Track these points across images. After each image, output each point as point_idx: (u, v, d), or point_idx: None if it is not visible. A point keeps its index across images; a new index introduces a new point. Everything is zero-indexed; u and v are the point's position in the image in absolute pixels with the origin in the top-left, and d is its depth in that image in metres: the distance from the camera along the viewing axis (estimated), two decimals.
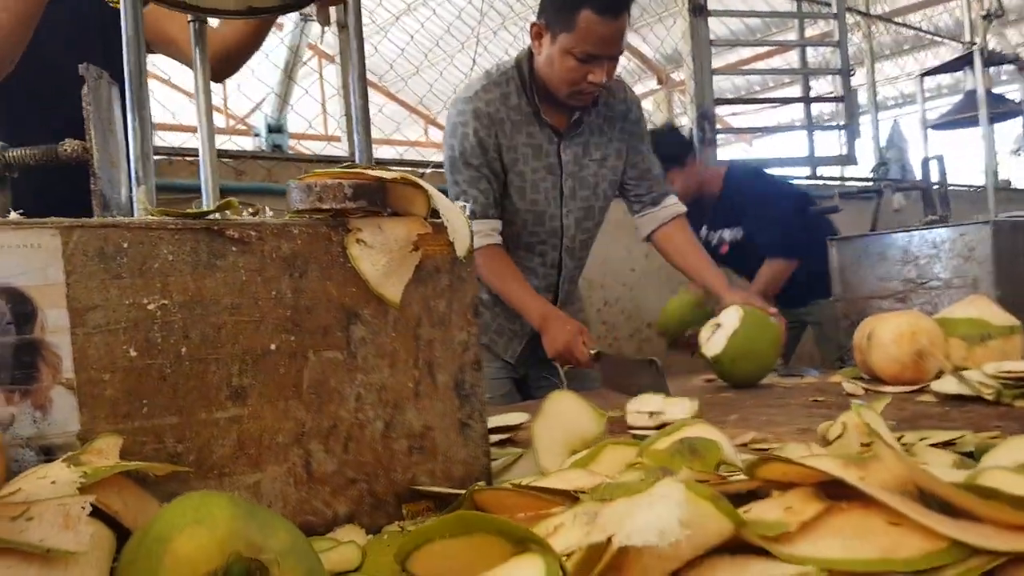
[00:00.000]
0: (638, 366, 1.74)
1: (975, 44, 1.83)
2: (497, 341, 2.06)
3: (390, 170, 0.84)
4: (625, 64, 8.43)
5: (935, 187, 1.86)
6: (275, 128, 4.38)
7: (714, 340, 1.70)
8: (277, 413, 0.77)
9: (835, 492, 0.57)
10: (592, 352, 1.81)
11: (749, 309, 1.70)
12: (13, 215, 0.71)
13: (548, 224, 1.97)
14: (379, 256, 0.83)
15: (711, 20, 3.69)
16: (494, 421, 1.37)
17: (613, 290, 3.25)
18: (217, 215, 0.77)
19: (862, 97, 5.76)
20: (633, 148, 2.07)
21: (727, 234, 2.79)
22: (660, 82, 8.06)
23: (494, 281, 1.92)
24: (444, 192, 1.99)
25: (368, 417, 0.82)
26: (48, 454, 0.67)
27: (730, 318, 1.69)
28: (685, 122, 6.17)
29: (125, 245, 0.71)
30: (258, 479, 0.76)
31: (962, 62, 1.90)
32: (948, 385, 1.35)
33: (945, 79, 8.44)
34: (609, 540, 0.47)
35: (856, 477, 0.57)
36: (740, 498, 0.61)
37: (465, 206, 0.88)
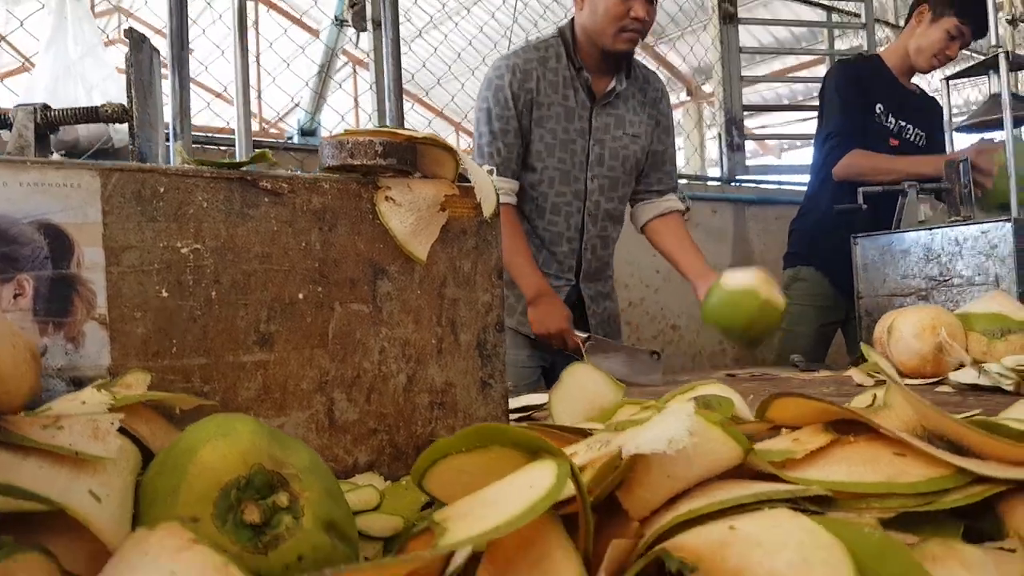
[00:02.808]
0: (633, 354, 1.76)
1: (1000, 48, 1.83)
2: (524, 322, 2.06)
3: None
4: None
5: (964, 190, 1.85)
6: (308, 131, 4.40)
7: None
8: (302, 360, 0.79)
9: (844, 431, 0.58)
10: (583, 337, 1.83)
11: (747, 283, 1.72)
12: (55, 156, 0.73)
13: (573, 185, 2.02)
14: (407, 214, 0.84)
15: (742, 33, 3.70)
16: (516, 402, 1.39)
17: (637, 291, 3.25)
18: (252, 167, 0.79)
19: None
20: (657, 136, 2.14)
21: (909, 130, 2.68)
22: (689, 93, 8.06)
23: (505, 250, 1.93)
24: None
25: (391, 370, 0.84)
26: (78, 385, 0.69)
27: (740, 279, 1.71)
28: (714, 133, 6.16)
29: (161, 190, 0.73)
30: (282, 423, 0.77)
31: (987, 66, 1.90)
32: (967, 376, 1.35)
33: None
34: (619, 453, 0.48)
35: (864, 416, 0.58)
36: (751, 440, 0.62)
37: (493, 170, 0.89)
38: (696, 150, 5.81)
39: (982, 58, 2.02)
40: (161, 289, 0.72)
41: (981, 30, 2.45)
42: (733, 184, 3.54)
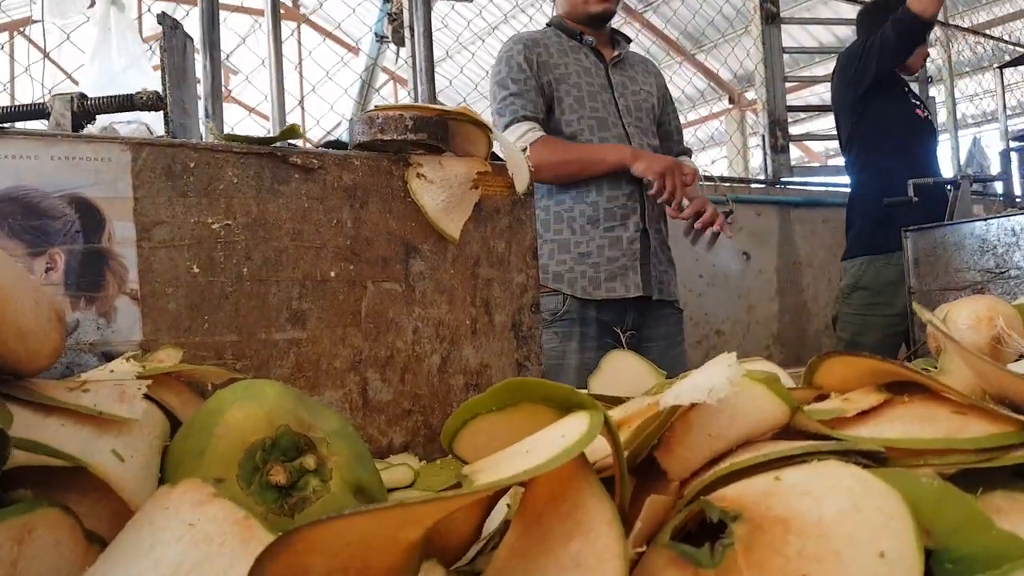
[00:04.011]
0: (728, 244, 1.79)
1: None
2: (595, 283, 2.00)
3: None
4: (698, 84, 8.38)
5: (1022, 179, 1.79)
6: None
7: None
8: (335, 339, 0.77)
9: (897, 394, 0.55)
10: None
11: None
12: (88, 129, 0.73)
13: (613, 129, 2.02)
14: (439, 191, 0.83)
15: (784, 38, 3.65)
16: None
17: (681, 295, 3.21)
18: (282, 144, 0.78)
19: (941, 116, 5.60)
20: (663, 107, 2.18)
21: (921, 105, 2.73)
22: (732, 101, 7.98)
23: (564, 154, 1.92)
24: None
25: (425, 351, 0.82)
26: (110, 360, 0.68)
27: None
28: (756, 141, 6.09)
29: (192, 165, 0.72)
30: (330, 408, 0.76)
31: None
32: None
33: None
34: (657, 406, 0.46)
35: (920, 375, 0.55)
36: None
37: (527, 147, 0.88)
38: (739, 152, 5.73)
39: None
40: (192, 265, 0.72)
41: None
42: (778, 186, 3.49)
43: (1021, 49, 4.70)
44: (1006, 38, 6.49)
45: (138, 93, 0.95)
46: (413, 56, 2.68)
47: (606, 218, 1.94)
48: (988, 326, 1.49)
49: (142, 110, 0.96)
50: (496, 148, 0.88)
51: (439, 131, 0.82)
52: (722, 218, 1.93)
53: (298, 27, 7.77)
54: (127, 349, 0.69)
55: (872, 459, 0.47)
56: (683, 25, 7.72)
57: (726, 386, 0.43)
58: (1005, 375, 0.54)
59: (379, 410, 0.79)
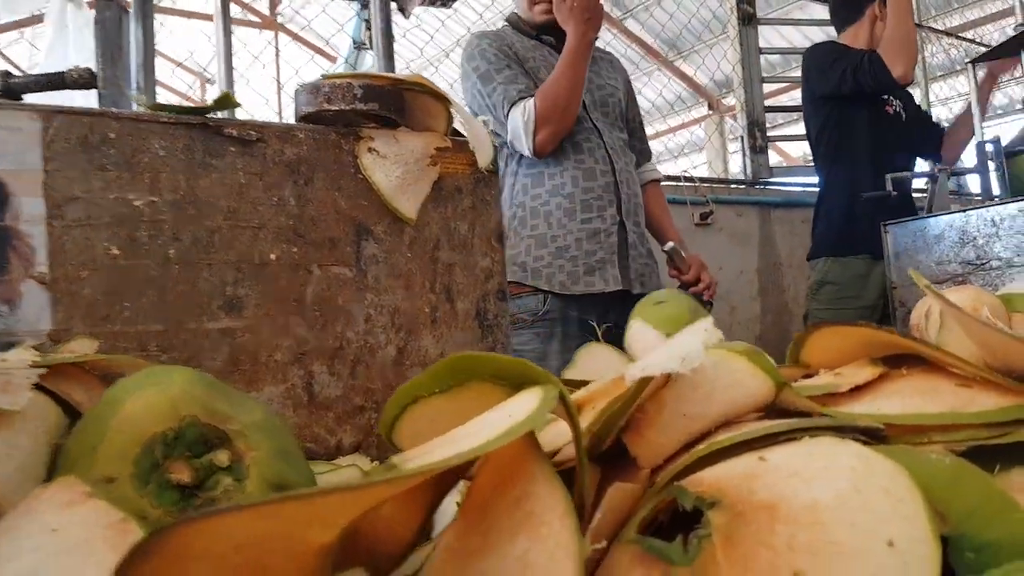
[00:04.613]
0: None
1: None
2: (574, 278, 1.93)
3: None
4: (676, 90, 8.35)
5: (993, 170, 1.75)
6: None
7: None
8: (276, 328, 0.70)
9: (895, 366, 0.48)
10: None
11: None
12: None
13: (583, 124, 1.96)
14: (393, 167, 0.76)
15: (761, 41, 3.61)
16: None
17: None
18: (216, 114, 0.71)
19: None
20: (628, 105, 2.14)
21: (892, 102, 2.62)
22: (711, 107, 7.95)
23: (558, 82, 1.85)
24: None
25: (379, 341, 0.75)
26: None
27: None
28: (735, 146, 6.04)
29: (112, 136, 0.65)
30: (253, 399, 0.69)
31: (1015, 44, 1.82)
32: None
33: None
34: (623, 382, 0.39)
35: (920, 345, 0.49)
36: None
37: (489, 120, 0.81)
38: (718, 153, 5.70)
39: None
40: (111, 246, 0.64)
41: None
42: (757, 187, 3.44)
43: (988, 47, 4.69)
44: (978, 40, 6.50)
45: (69, 70, 0.88)
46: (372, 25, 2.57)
47: (582, 210, 1.89)
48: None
49: (73, 88, 0.88)
50: (457, 123, 0.82)
51: (393, 102, 0.75)
52: (714, 288, 1.95)
53: (276, 35, 7.68)
54: (34, 341, 0.61)
55: (870, 437, 0.40)
56: (659, 29, 7.70)
57: (701, 353, 0.37)
58: (1013, 343, 0.48)
59: (326, 407, 0.72)
